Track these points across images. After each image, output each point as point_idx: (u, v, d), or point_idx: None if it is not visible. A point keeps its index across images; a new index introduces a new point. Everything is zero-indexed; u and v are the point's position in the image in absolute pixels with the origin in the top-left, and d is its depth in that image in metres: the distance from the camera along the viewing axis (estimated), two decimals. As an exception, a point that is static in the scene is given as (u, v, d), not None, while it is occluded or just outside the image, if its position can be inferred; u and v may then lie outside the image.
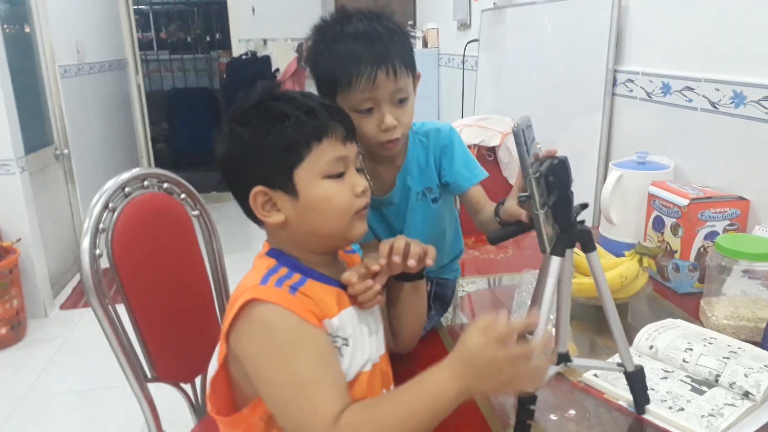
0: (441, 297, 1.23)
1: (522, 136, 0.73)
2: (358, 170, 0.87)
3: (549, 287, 0.83)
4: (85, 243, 1.21)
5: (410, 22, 4.00)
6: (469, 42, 2.99)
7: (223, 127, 0.86)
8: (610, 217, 1.47)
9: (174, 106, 6.64)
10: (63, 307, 3.13)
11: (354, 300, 0.86)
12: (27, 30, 3.24)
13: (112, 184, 1.30)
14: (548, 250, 0.78)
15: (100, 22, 4.29)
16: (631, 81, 1.70)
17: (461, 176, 1.14)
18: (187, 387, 1.42)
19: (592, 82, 1.83)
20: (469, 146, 2.03)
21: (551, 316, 0.95)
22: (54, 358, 2.63)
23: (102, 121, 4.18)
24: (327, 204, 0.82)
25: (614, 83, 1.77)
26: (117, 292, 1.26)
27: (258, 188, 0.82)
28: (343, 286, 0.87)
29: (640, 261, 1.23)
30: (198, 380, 1.45)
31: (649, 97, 1.62)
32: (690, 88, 1.47)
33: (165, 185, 1.42)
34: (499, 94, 2.66)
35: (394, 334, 1.02)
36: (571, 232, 0.83)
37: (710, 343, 1.02)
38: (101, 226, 1.24)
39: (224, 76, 5.61)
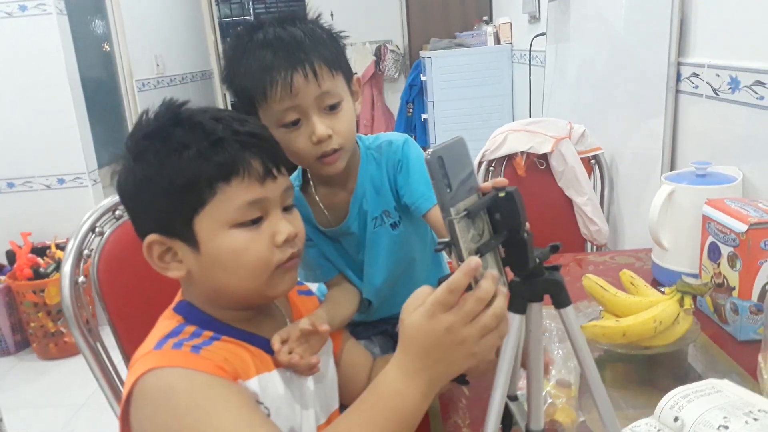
0: None
1: (439, 166, 0.56)
2: (286, 210, 0.73)
3: (507, 353, 0.65)
4: (67, 267, 1.17)
5: (485, 18, 3.78)
6: (535, 36, 2.75)
7: (121, 158, 0.72)
8: (660, 240, 1.23)
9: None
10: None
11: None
12: (107, 48, 3.39)
13: (105, 204, 1.25)
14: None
15: (182, 35, 4.45)
16: (696, 75, 1.42)
17: (420, 195, 0.96)
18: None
19: (654, 77, 1.57)
20: (517, 154, 1.82)
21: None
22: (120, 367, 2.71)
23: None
24: (236, 260, 0.68)
25: (678, 78, 1.50)
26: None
27: (152, 237, 0.69)
28: (270, 348, 0.74)
29: (681, 301, 1.00)
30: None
31: (716, 94, 1.34)
32: (761, 83, 1.19)
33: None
34: (565, 93, 2.41)
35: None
36: (535, 282, 0.65)
37: (756, 419, 0.78)
38: (85, 252, 1.20)
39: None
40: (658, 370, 1.02)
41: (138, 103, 3.55)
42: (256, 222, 0.69)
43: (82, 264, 1.20)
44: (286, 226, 0.70)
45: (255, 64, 0.85)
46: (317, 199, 1.01)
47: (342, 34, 0.93)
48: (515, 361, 0.68)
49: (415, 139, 3.99)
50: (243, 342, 0.72)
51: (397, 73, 4.93)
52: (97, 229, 1.21)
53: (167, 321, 0.73)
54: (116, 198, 1.27)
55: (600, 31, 2.03)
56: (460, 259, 0.58)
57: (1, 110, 2.82)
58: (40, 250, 2.81)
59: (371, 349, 1.03)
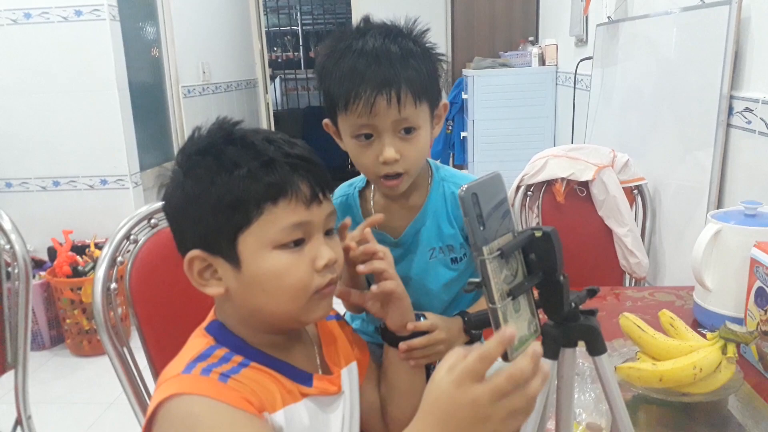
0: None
1: (472, 203, 0.54)
2: (327, 234, 0.73)
3: (537, 402, 0.62)
4: (100, 272, 1.19)
5: (530, 38, 3.74)
6: (581, 60, 2.70)
7: (170, 172, 0.73)
8: (704, 281, 1.17)
9: (308, 124, 6.91)
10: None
11: (314, 391, 0.73)
12: (155, 53, 3.47)
13: (141, 212, 1.26)
14: (512, 356, 0.58)
15: (229, 43, 4.53)
16: (750, 110, 1.37)
17: None
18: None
19: (704, 109, 1.51)
20: (557, 180, 1.78)
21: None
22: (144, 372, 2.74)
23: (225, 139, 4.38)
24: (276, 281, 0.68)
25: (729, 112, 1.44)
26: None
27: (195, 252, 0.69)
28: (300, 376, 0.73)
29: (724, 348, 0.95)
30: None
31: (771, 131, 1.29)
32: (820, 123, 1.13)
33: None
34: (610, 119, 2.35)
35: (383, 414, 0.87)
36: (569, 327, 0.62)
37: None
38: (119, 258, 1.22)
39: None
40: (695, 417, 0.97)
41: (183, 109, 3.62)
42: (298, 244, 0.69)
43: (115, 270, 1.21)
44: (327, 251, 0.70)
45: (346, 73, 0.87)
46: (371, 207, 1.02)
47: (440, 56, 0.93)
48: (545, 408, 0.66)
49: (453, 157, 3.95)
50: (272, 370, 0.71)
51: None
52: (131, 237, 1.23)
53: (198, 340, 0.73)
54: (153, 206, 1.29)
55: (649, 58, 1.98)
56: (491, 302, 0.56)
57: (51, 110, 2.91)
58: (80, 249, 2.87)
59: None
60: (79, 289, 2.72)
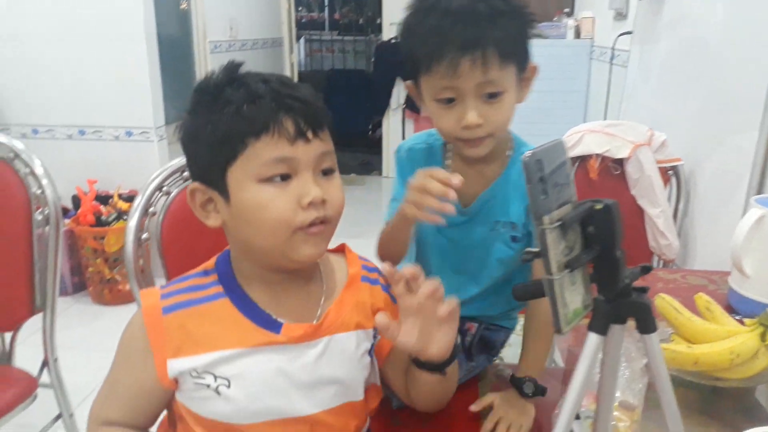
0: (489, 344, 1.03)
1: (536, 169, 0.52)
2: (325, 174, 0.74)
3: (580, 373, 0.61)
4: (132, 222, 1.19)
5: (566, 10, 3.64)
6: (620, 34, 2.62)
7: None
8: (743, 267, 1.15)
9: (330, 86, 6.84)
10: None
11: (286, 339, 0.73)
12: (184, 7, 3.43)
13: (173, 164, 1.26)
14: (564, 329, 0.56)
15: (257, 1, 4.46)
16: (802, 94, 1.32)
17: None
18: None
19: (751, 91, 1.46)
20: (592, 156, 1.75)
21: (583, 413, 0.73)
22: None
23: (250, 97, 4.35)
24: (258, 213, 0.70)
25: (779, 94, 1.40)
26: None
27: (195, 185, 0.74)
28: (269, 322, 0.73)
29: (763, 335, 0.93)
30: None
31: (824, 116, 1.24)
32: None
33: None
34: (647, 97, 2.30)
35: (405, 397, 0.87)
36: (620, 304, 0.61)
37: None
38: (151, 209, 1.22)
39: (373, 60, 5.63)
40: (724, 403, 0.96)
41: (209, 64, 3.59)
42: (284, 179, 0.70)
43: (147, 220, 1.21)
44: (314, 188, 0.70)
45: (430, 32, 0.83)
46: (450, 167, 0.98)
47: (531, 15, 0.89)
48: (582, 389, 0.65)
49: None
50: (239, 311, 0.74)
51: (467, 58, 4.83)
52: (164, 188, 1.22)
53: (207, 262, 0.79)
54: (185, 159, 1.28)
55: (693, 36, 1.91)
56: (548, 272, 0.54)
57: (80, 59, 2.89)
58: (104, 199, 2.89)
59: None
60: (102, 238, 2.75)
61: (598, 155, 1.74)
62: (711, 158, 1.70)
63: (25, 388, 1.45)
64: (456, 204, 0.92)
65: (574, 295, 0.58)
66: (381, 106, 5.25)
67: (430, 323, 0.73)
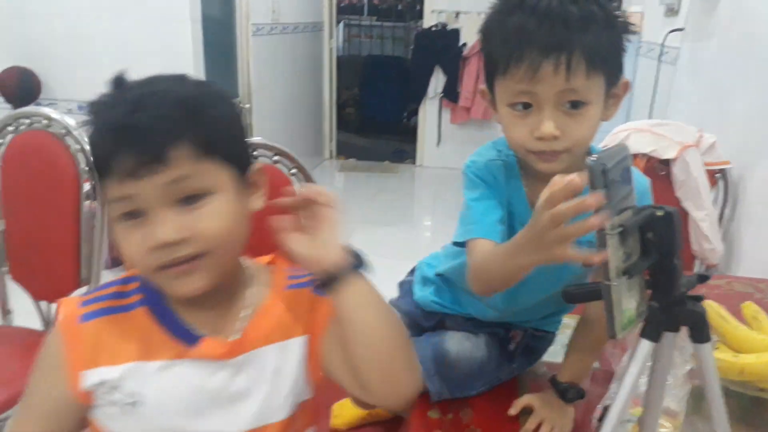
0: (532, 350, 1.02)
1: (601, 175, 0.52)
2: (188, 201, 0.64)
3: (629, 379, 0.61)
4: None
5: (614, 3, 3.55)
6: (671, 31, 2.55)
7: None
8: (793, 276, 1.12)
9: (367, 72, 6.84)
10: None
11: (203, 354, 0.68)
12: (229, -13, 3.46)
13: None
14: (619, 334, 0.56)
15: (300, -17, 4.47)
16: None
17: None
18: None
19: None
20: (638, 155, 1.71)
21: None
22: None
23: (288, 81, 4.38)
24: (122, 250, 0.65)
25: (841, 101, 1.35)
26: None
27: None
28: (186, 335, 0.69)
29: (814, 348, 0.91)
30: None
31: None
32: None
33: (275, 158, 1.38)
34: (696, 97, 2.24)
35: (357, 376, 0.71)
36: (675, 312, 0.60)
37: None
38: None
39: (412, 47, 5.61)
40: (762, 413, 0.94)
41: (251, 47, 3.62)
42: (135, 217, 0.64)
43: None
44: (160, 229, 0.62)
45: (512, 31, 0.77)
46: (524, 183, 0.89)
47: (627, 22, 0.81)
48: (630, 395, 0.64)
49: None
50: (158, 322, 0.69)
51: (508, 49, 4.77)
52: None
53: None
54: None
55: (749, 35, 1.85)
56: (607, 278, 0.54)
57: (126, 39, 2.95)
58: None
59: (469, 342, 0.97)
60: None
61: (644, 155, 1.70)
62: (762, 163, 1.65)
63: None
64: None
65: (629, 301, 0.57)
66: (418, 94, 5.23)
67: (318, 232, 0.68)
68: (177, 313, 0.70)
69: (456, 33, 4.86)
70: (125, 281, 0.72)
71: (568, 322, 1.03)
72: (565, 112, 0.78)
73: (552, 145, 0.78)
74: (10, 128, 1.57)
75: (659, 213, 0.57)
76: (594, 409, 0.87)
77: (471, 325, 0.99)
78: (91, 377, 0.68)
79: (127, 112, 0.62)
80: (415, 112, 5.52)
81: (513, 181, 0.88)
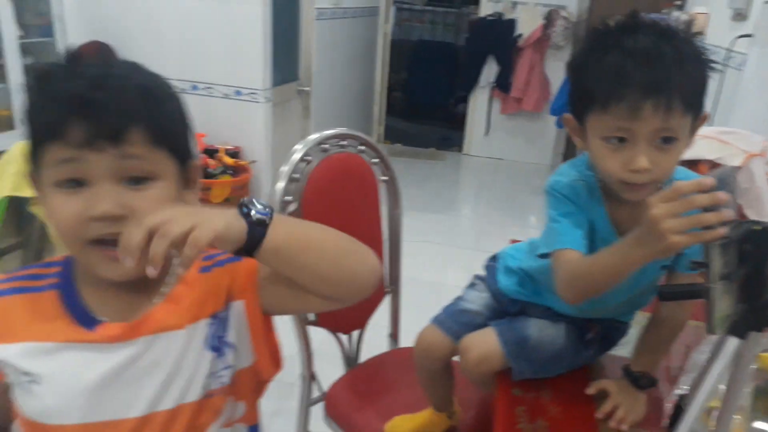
0: (607, 339, 1.10)
1: (730, 183, 0.61)
2: (135, 182, 0.65)
3: (713, 374, 0.70)
4: (279, 185, 1.33)
5: (677, 2, 3.54)
6: (739, 36, 2.56)
7: None
8: None
9: (416, 57, 6.88)
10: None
11: (99, 338, 0.68)
12: (297, -28, 3.55)
13: (314, 138, 1.39)
14: (717, 331, 0.65)
15: (361, -31, 4.54)
16: None
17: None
18: (344, 338, 1.52)
19: None
20: (702, 161, 1.77)
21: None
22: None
23: (345, 65, 4.47)
24: (52, 220, 0.65)
25: None
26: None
27: (27, 173, 0.68)
28: (86, 320, 0.69)
29: None
30: (355, 333, 1.54)
31: None
32: None
33: (361, 148, 1.48)
34: (764, 106, 2.25)
35: (320, 294, 0.72)
36: (762, 313, 0.68)
37: None
38: (296, 175, 1.35)
39: (466, 35, 5.62)
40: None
41: (313, 31, 3.71)
42: (74, 185, 0.64)
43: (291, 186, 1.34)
44: (105, 201, 0.63)
45: (611, 71, 0.82)
46: (605, 203, 0.95)
47: (711, 59, 0.85)
48: (715, 387, 0.73)
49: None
50: (62, 304, 0.70)
51: (564, 42, 4.77)
52: (305, 159, 1.35)
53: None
54: (325, 133, 1.41)
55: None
56: (711, 281, 0.63)
57: (198, 19, 3.08)
58: (211, 152, 3.09)
59: (550, 329, 1.06)
60: (208, 189, 2.95)
61: (708, 161, 1.75)
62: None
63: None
64: (615, 238, 0.93)
65: (724, 302, 0.66)
66: (469, 82, 5.26)
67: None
68: (84, 298, 0.70)
69: (512, 23, 4.87)
70: (48, 265, 0.73)
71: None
72: (657, 147, 0.83)
73: (643, 177, 0.84)
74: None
75: (757, 228, 0.65)
76: (660, 398, 0.96)
77: (551, 314, 1.07)
78: (8, 348, 0.68)
79: (89, 86, 0.62)
80: (462, 100, 5.55)
81: (594, 201, 0.95)
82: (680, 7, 3.50)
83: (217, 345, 0.72)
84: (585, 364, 1.08)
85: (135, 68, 0.69)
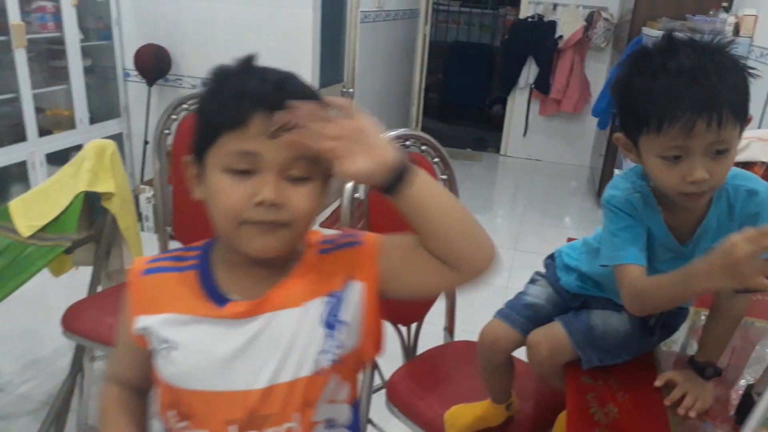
0: (669, 324, 1.15)
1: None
2: (295, 180, 0.72)
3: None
4: (349, 183, 1.39)
5: (723, 4, 3.52)
6: (790, 38, 2.55)
7: None
8: None
9: (452, 59, 6.91)
10: (322, 224, 3.61)
11: (228, 314, 0.76)
12: (343, -24, 3.63)
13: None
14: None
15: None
16: None
17: None
18: (403, 330, 1.58)
19: None
20: (757, 163, 1.78)
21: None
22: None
23: (385, 66, 4.54)
24: (215, 199, 0.73)
25: None
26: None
27: (188, 157, 0.77)
28: (218, 297, 0.76)
29: None
30: (414, 326, 1.60)
31: None
32: None
33: (423, 147, 1.54)
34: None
35: (444, 257, 0.74)
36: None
37: None
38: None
39: (506, 36, 5.63)
40: None
41: (358, 34, 3.79)
42: (244, 174, 0.71)
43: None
44: (268, 190, 0.71)
45: (661, 93, 0.87)
46: (659, 212, 1.01)
47: (750, 69, 0.90)
48: None
49: (616, 117, 3.86)
50: (200, 283, 0.78)
51: (605, 43, 4.77)
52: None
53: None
54: (390, 134, 1.47)
55: None
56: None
57: (249, 21, 3.19)
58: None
59: (614, 318, 1.11)
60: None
61: (763, 163, 1.77)
62: None
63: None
64: (673, 242, 1.02)
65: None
66: (508, 83, 5.28)
67: (364, 141, 0.71)
68: (218, 279, 0.78)
69: (552, 25, 4.88)
70: (189, 248, 0.82)
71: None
72: (711, 158, 0.88)
73: (701, 187, 0.89)
74: (185, 105, 1.79)
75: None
76: (726, 389, 1.00)
77: (613, 304, 1.12)
78: (140, 322, 0.78)
79: (274, 87, 0.71)
80: (497, 101, 5.57)
81: (650, 208, 1.01)
82: (727, 9, 3.48)
83: (332, 322, 0.77)
84: (648, 355, 1.12)
85: (295, 76, 0.76)
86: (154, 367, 0.80)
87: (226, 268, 0.78)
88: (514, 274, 3.35)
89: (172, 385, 0.77)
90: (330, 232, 0.84)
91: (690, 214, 1.00)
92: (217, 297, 0.77)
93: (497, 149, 5.60)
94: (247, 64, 0.75)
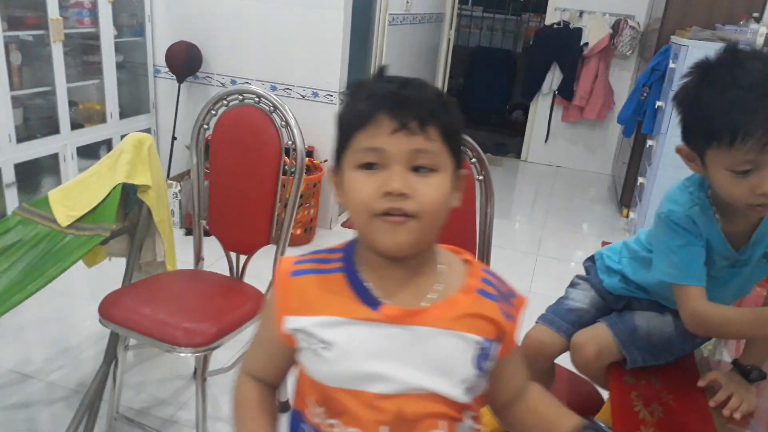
0: None
1: None
2: (419, 170, 0.74)
3: None
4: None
5: (755, 14, 3.50)
6: (825, 49, 2.54)
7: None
8: None
9: (474, 63, 6.93)
10: (344, 225, 3.62)
11: (382, 318, 0.77)
12: (372, -22, 3.66)
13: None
14: None
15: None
16: None
17: None
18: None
19: None
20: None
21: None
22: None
23: (411, 69, 4.56)
24: (350, 195, 0.77)
25: None
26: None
27: (330, 164, 0.82)
28: (370, 300, 0.78)
29: None
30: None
31: None
32: None
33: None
34: None
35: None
36: None
37: None
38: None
39: (530, 42, 5.63)
40: None
41: (386, 36, 3.82)
42: (374, 168, 0.74)
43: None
44: (394, 181, 0.73)
45: (734, 107, 0.87)
46: (717, 222, 1.02)
47: None
48: None
49: (641, 125, 3.83)
50: (349, 285, 0.80)
51: (631, 51, 4.76)
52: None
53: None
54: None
55: None
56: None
57: (281, 21, 3.22)
58: (286, 151, 3.21)
59: (657, 319, 1.12)
60: (284, 186, 3.07)
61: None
62: None
63: (257, 303, 1.74)
64: (730, 250, 1.02)
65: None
66: (531, 88, 5.29)
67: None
68: (365, 281, 0.80)
69: (578, 32, 4.88)
70: (332, 251, 0.85)
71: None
72: None
73: None
74: (224, 102, 1.83)
75: None
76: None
77: (656, 305, 1.14)
78: (291, 322, 0.80)
79: (399, 86, 0.76)
80: (518, 107, 5.57)
81: (709, 220, 1.02)
82: (758, 20, 3.46)
83: (481, 365, 0.80)
84: (689, 358, 1.13)
85: (421, 80, 0.79)
86: (299, 365, 0.83)
87: (369, 270, 0.80)
88: (537, 278, 3.39)
89: (323, 383, 0.79)
90: (491, 273, 0.85)
91: (746, 221, 1.01)
92: (369, 300, 0.79)
93: (518, 155, 5.60)
94: (380, 74, 0.80)
